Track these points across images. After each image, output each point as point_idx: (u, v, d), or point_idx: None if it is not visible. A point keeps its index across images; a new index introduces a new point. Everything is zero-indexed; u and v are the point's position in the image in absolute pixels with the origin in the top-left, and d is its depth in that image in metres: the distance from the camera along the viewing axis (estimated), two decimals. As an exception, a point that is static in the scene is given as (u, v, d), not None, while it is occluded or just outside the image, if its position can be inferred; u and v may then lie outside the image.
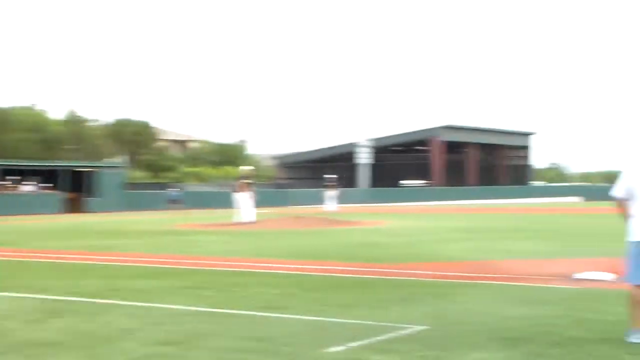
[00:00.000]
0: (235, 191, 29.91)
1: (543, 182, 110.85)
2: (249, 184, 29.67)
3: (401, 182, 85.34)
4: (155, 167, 76.26)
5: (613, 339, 6.98)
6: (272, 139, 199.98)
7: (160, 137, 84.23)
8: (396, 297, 9.79)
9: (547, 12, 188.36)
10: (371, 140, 72.03)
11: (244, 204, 28.96)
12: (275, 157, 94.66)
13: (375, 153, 77.68)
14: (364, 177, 68.79)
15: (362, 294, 10.13)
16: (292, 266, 13.72)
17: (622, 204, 7.24)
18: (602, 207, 52.11)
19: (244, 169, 30.88)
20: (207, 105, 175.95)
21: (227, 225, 28.50)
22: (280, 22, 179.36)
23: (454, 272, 12.51)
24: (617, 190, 7.26)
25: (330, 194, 44.20)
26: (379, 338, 7.16)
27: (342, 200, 51.55)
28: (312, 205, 52.44)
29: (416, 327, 7.67)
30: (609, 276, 11.30)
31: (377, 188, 72.59)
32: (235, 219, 29.21)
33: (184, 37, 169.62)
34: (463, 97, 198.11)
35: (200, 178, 75.11)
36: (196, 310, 8.93)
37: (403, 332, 7.45)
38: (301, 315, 8.53)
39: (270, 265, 13.99)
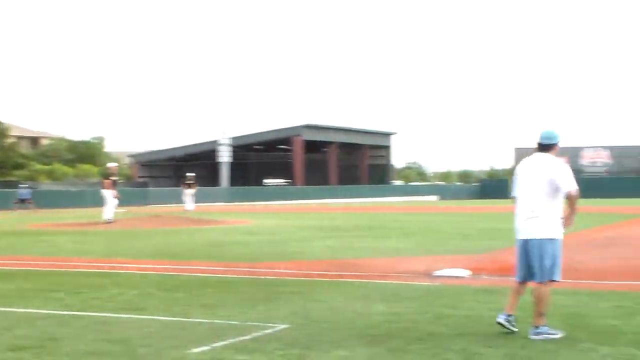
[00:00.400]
0: (103, 188, 28.96)
1: (402, 182, 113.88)
2: (114, 181, 28.81)
3: (264, 181, 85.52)
4: (3, 165, 72.94)
5: (470, 333, 7.18)
6: (130, 137, 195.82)
7: (10, 134, 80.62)
8: (260, 296, 9.71)
9: (405, 13, 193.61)
10: (232, 138, 71.62)
11: (109, 202, 28.12)
12: (133, 155, 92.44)
13: (237, 151, 77.43)
14: (225, 175, 68.35)
15: (226, 293, 9.98)
16: (151, 266, 13.39)
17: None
18: (458, 205, 54.27)
19: (110, 165, 29.91)
20: (61, 100, 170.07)
21: (83, 224, 27.60)
22: (138, 17, 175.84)
23: (317, 270, 12.55)
24: (514, 191, 7.55)
25: (190, 192, 43.62)
26: (243, 338, 7.07)
27: (203, 199, 51.09)
28: (171, 205, 51.67)
29: (280, 325, 7.63)
30: (465, 273, 11.65)
31: (239, 187, 72.37)
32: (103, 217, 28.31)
33: (38, 27, 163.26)
34: (324, 96, 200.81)
35: (54, 176, 72.45)
36: (49, 314, 8.54)
37: (267, 331, 7.39)
38: (161, 316, 8.30)
39: (127, 265, 13.58)
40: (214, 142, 72.47)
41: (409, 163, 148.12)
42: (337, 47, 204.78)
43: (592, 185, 77.91)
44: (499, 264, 12.74)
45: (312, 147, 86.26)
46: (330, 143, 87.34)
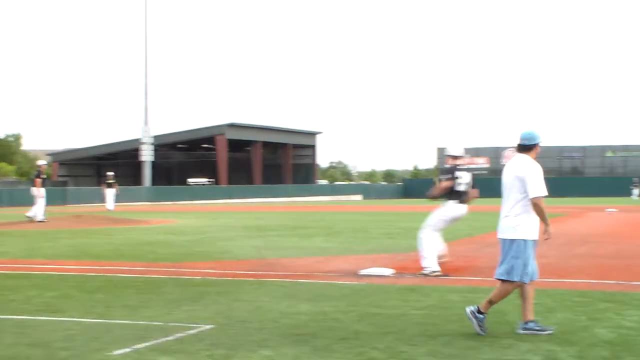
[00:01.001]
0: (34, 186, 28.20)
1: (327, 181, 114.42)
2: (43, 179, 28.11)
3: (188, 180, 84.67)
4: None
5: (395, 332, 7.24)
6: (49, 134, 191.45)
7: None
8: (184, 296, 9.60)
9: (328, 13, 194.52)
10: (155, 137, 70.54)
11: (40, 201, 27.42)
12: (51, 154, 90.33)
13: (160, 150, 76.45)
14: (147, 175, 67.31)
15: (149, 294, 9.83)
16: (71, 267, 13.09)
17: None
18: (382, 205, 54.77)
19: (40, 164, 29.16)
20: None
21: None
22: (54, 10, 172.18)
23: (242, 270, 12.50)
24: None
25: (111, 192, 42.85)
26: (167, 339, 6.97)
27: (125, 198, 50.26)
28: (92, 204, 50.72)
29: (205, 326, 7.55)
30: (389, 272, 11.74)
31: (162, 186, 71.46)
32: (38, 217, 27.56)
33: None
34: (249, 95, 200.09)
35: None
36: (-37, 317, 8.24)
37: (192, 331, 7.31)
38: (82, 317, 8.12)
39: (45, 266, 13.23)
40: (136, 141, 71.29)
41: (333, 162, 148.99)
42: (261, 47, 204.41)
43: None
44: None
45: (236, 146, 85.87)
46: (254, 142, 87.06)
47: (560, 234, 20.12)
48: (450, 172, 11.93)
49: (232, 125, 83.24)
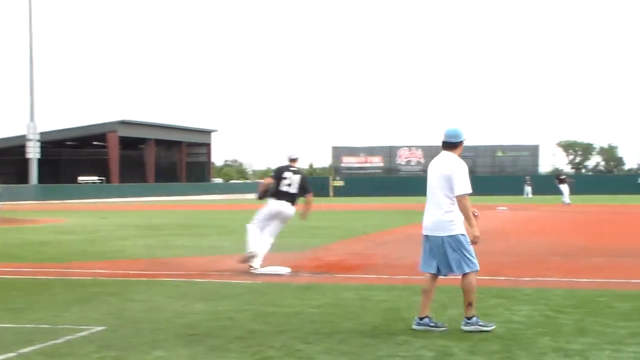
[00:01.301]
0: None
1: (222, 179, 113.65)
2: None
3: (79, 178, 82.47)
4: None
5: (291, 330, 7.21)
6: None
7: None
8: (74, 297, 9.31)
9: (227, 12, 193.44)
10: (42, 133, 68.29)
11: None
12: None
13: (48, 148, 74.10)
14: (34, 173, 65.13)
15: (37, 295, 9.48)
16: (-46, 268, 12.50)
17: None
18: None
19: None
20: None
21: None
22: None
23: (134, 270, 12.25)
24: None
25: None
26: (55, 342, 6.73)
27: (11, 197, 48.50)
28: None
29: (95, 328, 7.34)
30: (285, 270, 11.72)
31: (50, 184, 69.33)
32: None
33: None
34: (142, 93, 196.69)
35: None
36: None
37: (82, 333, 7.08)
38: (-36, 321, 7.74)
39: None
40: (22, 137, 68.78)
41: (228, 161, 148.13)
42: (154, 43, 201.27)
43: (407, 183, 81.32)
44: (317, 262, 12.96)
45: (129, 143, 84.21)
46: (147, 140, 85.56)
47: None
48: (278, 172, 12.25)
49: (124, 123, 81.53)
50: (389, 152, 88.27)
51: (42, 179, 66.87)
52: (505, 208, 36.66)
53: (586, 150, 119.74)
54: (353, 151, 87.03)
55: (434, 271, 7.47)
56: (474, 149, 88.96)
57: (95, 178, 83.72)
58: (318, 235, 19.57)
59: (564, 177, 43.58)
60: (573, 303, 8.47)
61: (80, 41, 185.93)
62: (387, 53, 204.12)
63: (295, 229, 22.52)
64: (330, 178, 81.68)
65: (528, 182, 60.49)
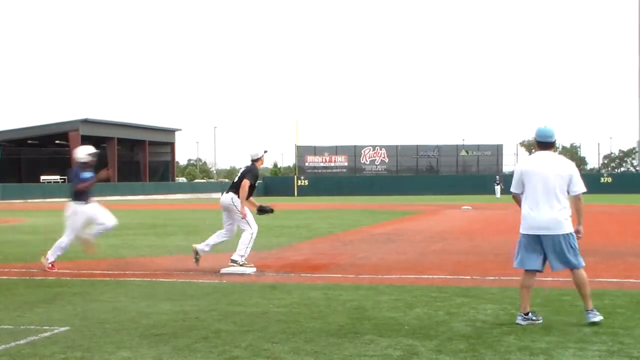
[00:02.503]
0: None
1: (186, 179, 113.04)
2: None
3: (42, 177, 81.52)
4: None
5: (257, 330, 7.19)
6: None
7: None
8: (37, 298, 9.19)
9: (183, 11, 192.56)
10: (2, 132, 67.33)
11: None
12: None
13: (9, 147, 73.19)
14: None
15: (-2, 296, 9.34)
16: None
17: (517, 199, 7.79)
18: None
19: None
20: None
21: None
22: None
23: (99, 269, 12.15)
24: (517, 187, 7.70)
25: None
26: (18, 342, 6.63)
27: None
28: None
29: (59, 328, 7.25)
30: (251, 270, 11.69)
31: (11, 184, 68.43)
32: None
33: None
34: (104, 91, 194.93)
35: None
36: None
37: (45, 334, 6.99)
38: None
39: None
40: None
41: (192, 160, 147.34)
42: (119, 41, 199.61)
43: (372, 183, 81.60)
44: (283, 261, 12.94)
45: (91, 142, 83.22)
46: (109, 139, 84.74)
47: (417, 231, 20.72)
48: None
49: (87, 121, 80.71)
50: (354, 152, 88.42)
51: (3, 178, 66.02)
52: (470, 207, 36.93)
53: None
54: (317, 150, 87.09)
55: (538, 267, 7.60)
56: (437, 148, 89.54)
57: (57, 177, 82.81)
58: (284, 234, 19.56)
59: None
60: (537, 302, 8.54)
61: (42, 39, 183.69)
62: (352, 53, 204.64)
63: (262, 228, 22.46)
64: (295, 177, 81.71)
65: (498, 182, 60.92)
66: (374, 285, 10.15)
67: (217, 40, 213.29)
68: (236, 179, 12.37)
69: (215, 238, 12.21)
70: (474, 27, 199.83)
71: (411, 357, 6.11)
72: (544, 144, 7.67)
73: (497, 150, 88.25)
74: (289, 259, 13.23)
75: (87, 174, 12.55)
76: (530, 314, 7.44)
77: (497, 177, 63.83)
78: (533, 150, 8.40)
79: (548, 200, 7.47)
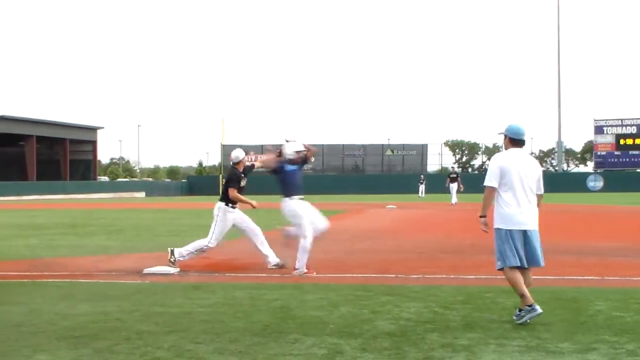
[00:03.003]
0: None
1: (108, 178, 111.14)
2: None
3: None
4: None
5: (180, 330, 7.10)
6: None
7: None
8: (-51, 300, 8.86)
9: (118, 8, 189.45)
10: None
11: None
12: None
13: None
14: None
15: None
16: None
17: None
18: (165, 202, 54.01)
19: None
20: None
21: None
22: None
23: (14, 271, 11.81)
24: (493, 181, 7.65)
25: None
26: None
27: None
28: None
29: (-28, 332, 6.99)
30: (174, 270, 11.56)
31: None
32: None
33: None
34: (22, 87, 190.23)
35: None
36: None
37: (-43, 338, 6.72)
38: None
39: None
40: None
41: (115, 158, 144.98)
42: (38, 35, 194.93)
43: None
44: (206, 261, 12.82)
45: (8, 140, 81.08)
46: (27, 136, 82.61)
47: (343, 230, 20.79)
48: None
49: (3, 118, 78.51)
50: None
51: None
52: (395, 207, 37.28)
53: (472, 149, 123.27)
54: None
55: (521, 264, 7.60)
56: (363, 147, 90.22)
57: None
58: (206, 233, 19.33)
59: (454, 175, 43.03)
60: (460, 299, 8.65)
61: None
62: (278, 50, 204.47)
63: (185, 227, 22.28)
64: (220, 176, 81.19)
65: (422, 181, 61.61)
66: (299, 284, 10.13)
67: (139, 37, 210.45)
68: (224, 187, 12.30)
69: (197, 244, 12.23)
70: (397, 26, 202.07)
71: (335, 356, 6.11)
72: (518, 141, 7.78)
73: (422, 150, 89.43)
74: (212, 258, 13.10)
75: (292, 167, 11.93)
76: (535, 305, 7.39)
77: (422, 176, 64.59)
78: (502, 148, 8.49)
79: (527, 196, 7.62)
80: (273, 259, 12.06)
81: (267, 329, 7.19)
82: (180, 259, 11.89)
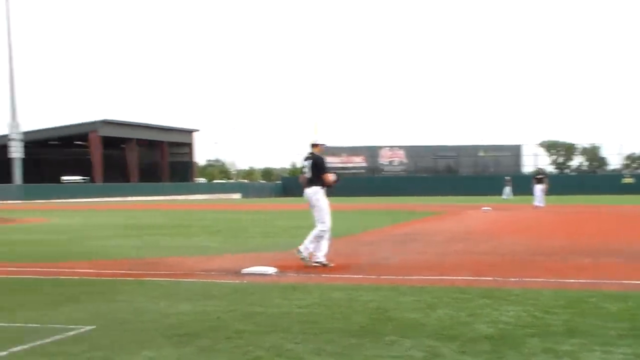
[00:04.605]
0: None
1: (205, 179, 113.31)
2: None
3: (63, 178, 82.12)
4: None
5: (279, 330, 7.18)
6: None
7: None
8: (62, 297, 9.25)
9: (207, 10, 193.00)
10: (25, 133, 67.87)
11: None
12: None
13: (31, 147, 73.71)
14: (17, 172, 64.70)
15: (25, 295, 9.43)
16: (-62, 268, 12.39)
17: None
18: (260, 203, 54.73)
19: None
20: None
21: None
22: None
23: (120, 270, 12.18)
24: None
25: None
26: (44, 341, 6.68)
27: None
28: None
29: (84, 327, 7.29)
30: (271, 270, 11.71)
31: (34, 184, 68.94)
32: None
33: None
34: (125, 92, 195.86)
35: None
36: None
37: (70, 333, 7.03)
38: (-49, 321, 7.67)
39: None
40: (4, 137, 68.35)
41: (211, 160, 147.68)
42: (137, 43, 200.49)
43: (390, 183, 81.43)
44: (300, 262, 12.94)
45: (111, 143, 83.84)
46: (129, 140, 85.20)
47: (436, 232, 20.66)
48: (302, 163, 13.02)
49: (106, 122, 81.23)
50: (371, 152, 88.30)
51: (25, 178, 66.51)
52: (490, 208, 36.75)
53: (569, 150, 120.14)
54: (335, 151, 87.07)
55: None
56: (456, 149, 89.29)
57: (78, 178, 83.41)
58: (303, 235, 19.45)
59: (541, 176, 40.86)
60: (561, 304, 8.49)
61: (63, 40, 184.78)
62: (370, 53, 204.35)
63: (280, 229, 22.56)
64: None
65: (507, 182, 60.46)
66: (395, 285, 10.12)
67: (235, 41, 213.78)
68: (308, 174, 12.77)
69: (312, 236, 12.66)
70: (493, 26, 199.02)
71: (434, 358, 6.09)
72: None
73: (517, 150, 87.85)
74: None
75: None
76: None
77: (507, 177, 63.24)
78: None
79: None
80: (321, 257, 12.46)
81: (364, 330, 7.21)
82: (306, 253, 12.46)
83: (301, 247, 12.59)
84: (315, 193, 12.74)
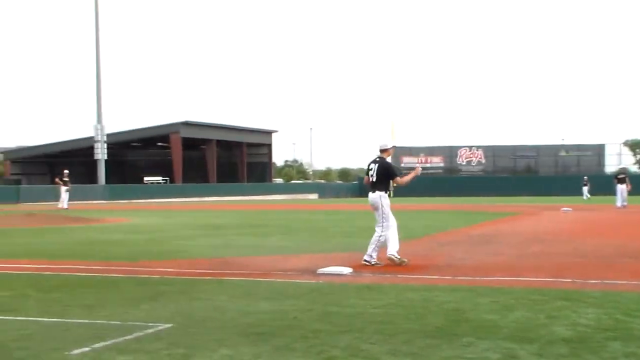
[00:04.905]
0: None
1: (283, 180, 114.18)
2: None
3: (145, 178, 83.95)
4: None
5: (354, 330, 7.21)
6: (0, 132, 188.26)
7: None
8: (142, 295, 9.49)
9: (285, 11, 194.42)
10: (109, 135, 69.69)
11: None
12: (3, 152, 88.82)
13: (115, 148, 75.59)
14: (101, 173, 66.49)
15: (107, 293, 9.71)
16: (26, 266, 12.86)
17: None
18: (338, 203, 54.86)
19: None
20: None
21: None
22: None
23: (200, 268, 12.41)
24: None
25: (64, 190, 42.35)
26: (125, 338, 6.87)
27: (80, 197, 49.64)
28: (46, 202, 49.99)
29: (163, 325, 7.47)
30: (347, 270, 11.75)
31: (117, 184, 70.70)
32: None
33: None
34: (204, 93, 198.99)
35: None
36: None
37: (150, 330, 7.22)
38: (38, 317, 7.98)
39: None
40: (90, 139, 70.32)
41: (289, 161, 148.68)
42: (217, 44, 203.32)
43: (468, 183, 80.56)
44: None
45: (191, 144, 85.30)
46: (208, 141, 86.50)
47: (514, 233, 20.38)
48: (367, 166, 13.27)
49: (187, 124, 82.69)
50: (449, 152, 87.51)
51: (109, 179, 68.29)
52: (570, 209, 36.03)
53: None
54: (413, 151, 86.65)
55: None
56: (536, 148, 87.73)
57: (159, 178, 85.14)
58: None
59: (623, 176, 39.45)
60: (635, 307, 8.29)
61: (145, 43, 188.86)
62: (450, 53, 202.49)
63: (357, 228, 22.58)
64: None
65: (585, 183, 59.07)
66: (471, 286, 10.05)
67: (313, 41, 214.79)
68: (374, 177, 12.90)
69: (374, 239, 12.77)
70: (577, 22, 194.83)
71: (510, 360, 6.04)
72: None
73: (599, 150, 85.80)
74: (384, 259, 13.22)
75: None
76: None
77: (585, 177, 61.74)
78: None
79: None
80: (372, 257, 12.59)
81: (440, 331, 7.19)
82: (373, 261, 12.56)
83: (366, 257, 12.63)
84: (380, 197, 12.79)
